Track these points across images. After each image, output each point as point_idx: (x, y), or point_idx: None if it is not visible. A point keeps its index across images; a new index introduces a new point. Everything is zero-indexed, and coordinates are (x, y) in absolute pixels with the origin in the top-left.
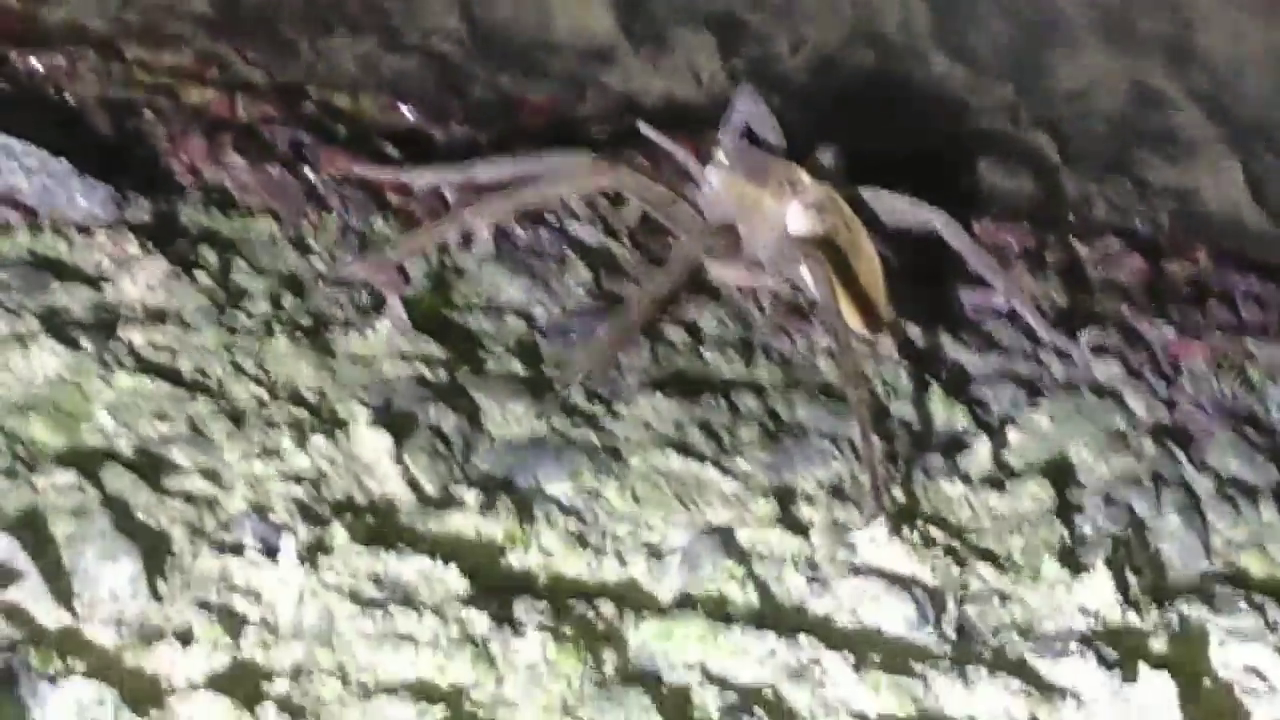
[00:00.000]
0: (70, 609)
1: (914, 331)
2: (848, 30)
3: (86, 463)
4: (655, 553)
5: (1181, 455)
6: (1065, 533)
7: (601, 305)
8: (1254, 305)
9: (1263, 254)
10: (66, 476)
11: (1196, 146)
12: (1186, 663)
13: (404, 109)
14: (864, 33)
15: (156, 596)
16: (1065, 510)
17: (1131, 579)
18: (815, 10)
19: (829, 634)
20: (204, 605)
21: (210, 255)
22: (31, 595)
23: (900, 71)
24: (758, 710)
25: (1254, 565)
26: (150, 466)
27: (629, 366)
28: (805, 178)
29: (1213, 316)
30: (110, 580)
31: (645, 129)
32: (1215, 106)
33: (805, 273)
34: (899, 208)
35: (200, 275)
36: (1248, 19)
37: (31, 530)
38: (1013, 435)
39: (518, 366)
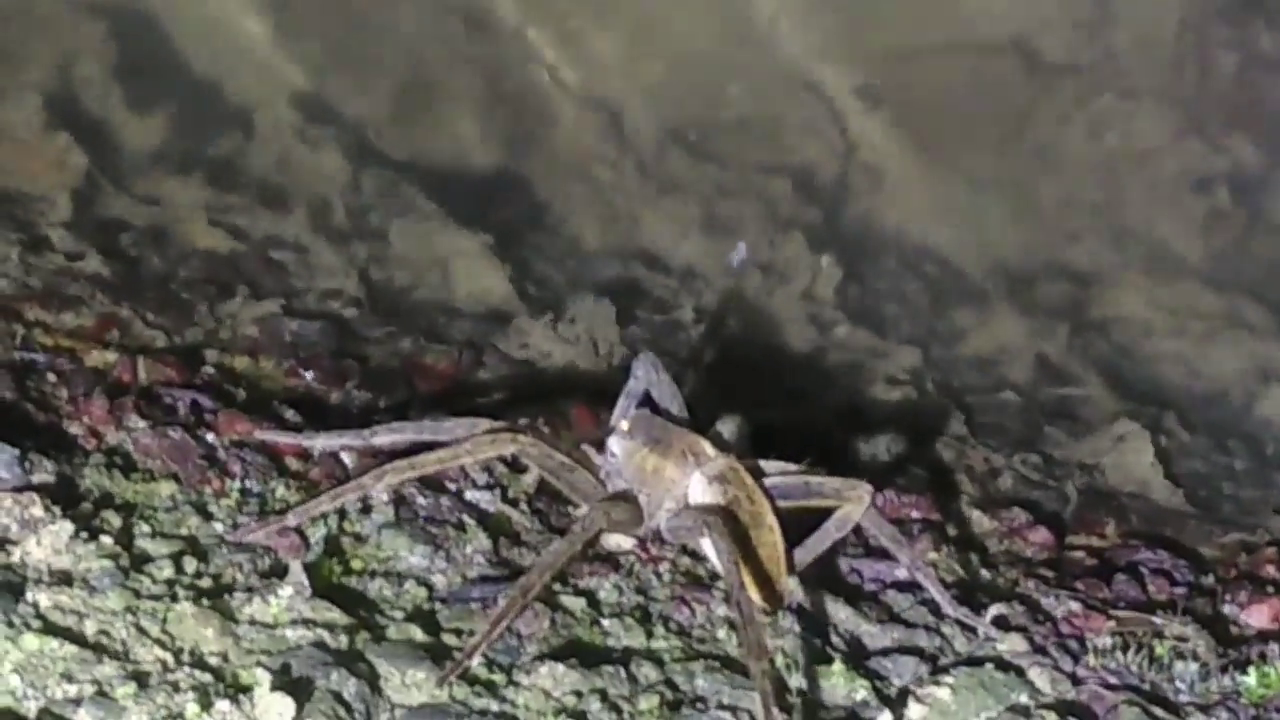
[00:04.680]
0: None
1: (814, 603)
2: (750, 297)
3: None
4: None
5: None
6: None
7: (501, 573)
8: (1161, 580)
9: (1171, 529)
10: None
11: (1104, 421)
12: None
13: (304, 373)
14: (767, 299)
15: None
16: None
17: None
18: (716, 278)
19: None
20: None
21: (114, 518)
22: None
23: (805, 339)
24: None
25: None
26: None
27: (528, 635)
28: (707, 448)
29: (1119, 591)
30: None
31: None
32: (1123, 381)
33: (706, 544)
34: (801, 480)
35: (104, 539)
36: (1153, 286)
37: None
38: (914, 709)
39: (418, 633)
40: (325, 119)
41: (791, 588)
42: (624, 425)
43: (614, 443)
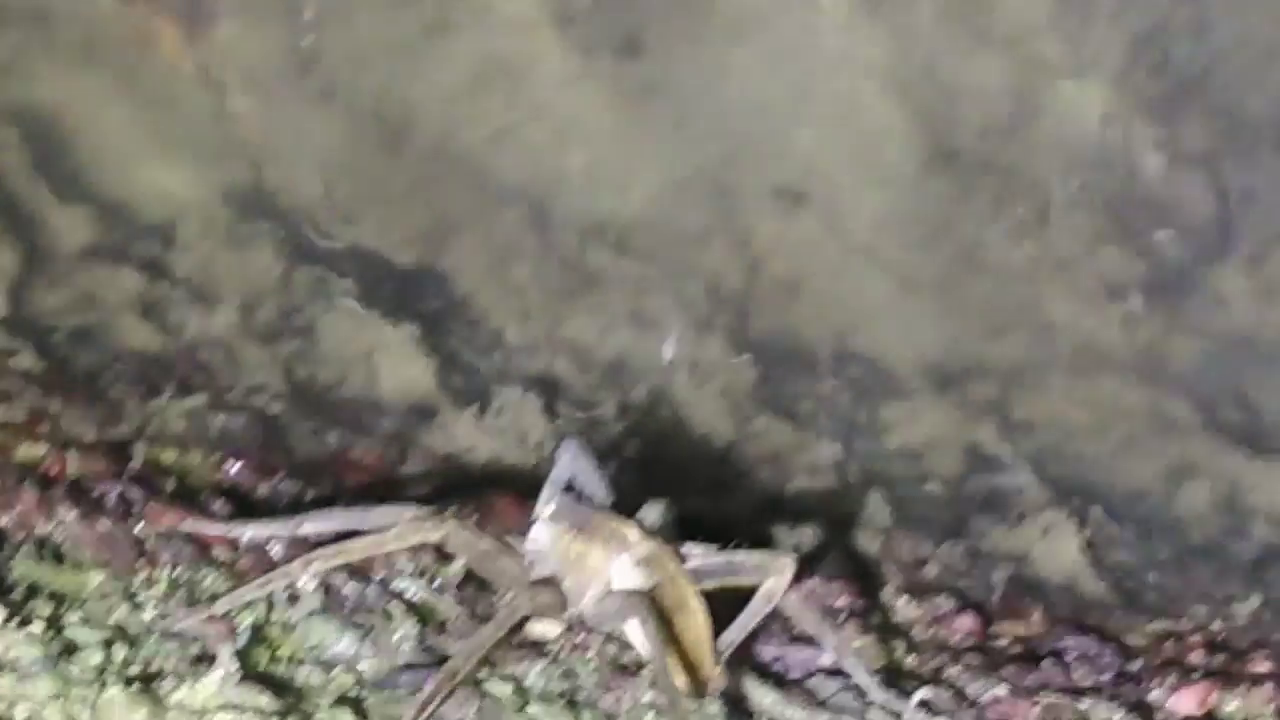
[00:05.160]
0: None
1: (740, 689)
2: (673, 391)
3: None
4: None
5: None
6: None
7: (428, 660)
8: (1088, 666)
9: (1097, 617)
10: None
11: (1031, 512)
12: None
13: (231, 466)
14: (689, 394)
15: None
16: None
17: None
18: (639, 371)
19: None
20: None
21: (44, 607)
22: None
23: (725, 432)
24: None
25: None
26: None
27: None
28: (632, 533)
29: (1045, 677)
30: None
31: None
32: (1049, 470)
33: (632, 628)
34: (723, 559)
35: (34, 626)
36: (1078, 383)
37: None
38: None
39: (346, 718)
40: (255, 215)
41: (718, 673)
42: (548, 511)
43: (538, 529)
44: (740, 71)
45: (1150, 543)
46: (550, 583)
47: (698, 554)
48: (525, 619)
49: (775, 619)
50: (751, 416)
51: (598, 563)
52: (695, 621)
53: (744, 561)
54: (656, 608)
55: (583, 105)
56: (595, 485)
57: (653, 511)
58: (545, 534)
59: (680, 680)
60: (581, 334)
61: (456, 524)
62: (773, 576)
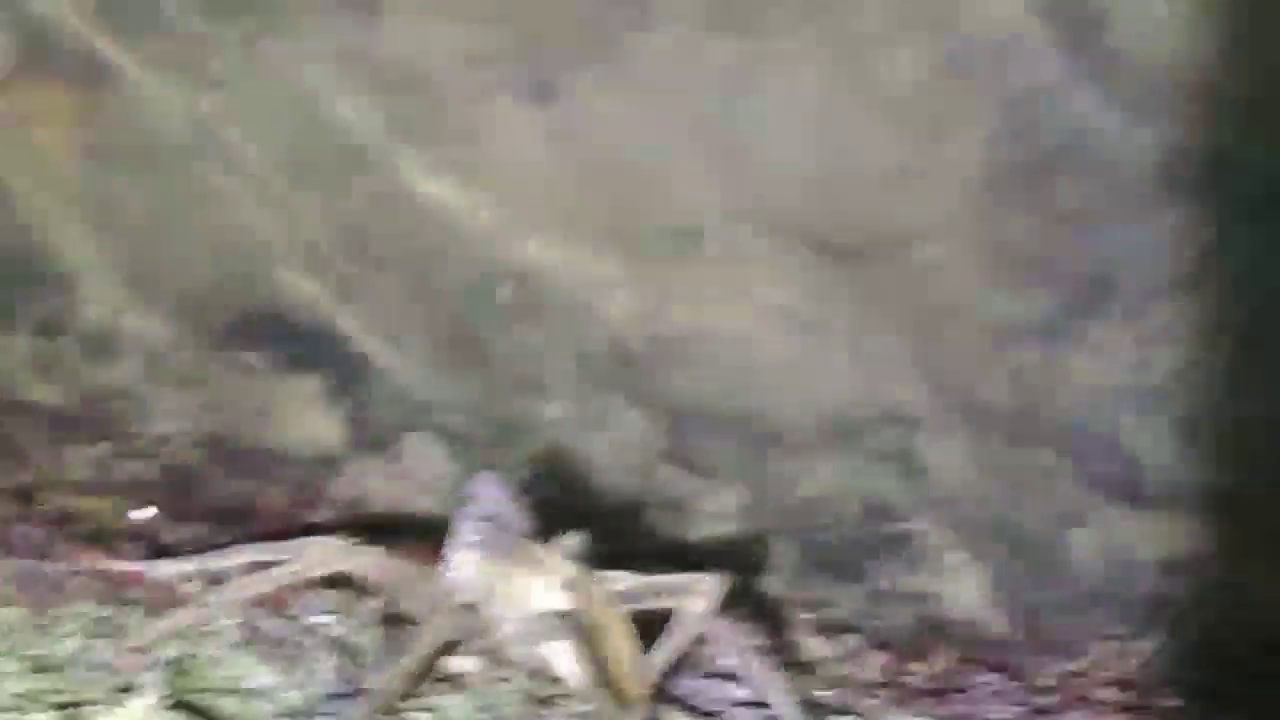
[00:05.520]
0: None
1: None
2: (569, 446)
3: None
4: None
5: None
6: None
7: (350, 690)
8: (998, 702)
9: (1001, 655)
10: None
11: (935, 554)
12: None
13: (141, 511)
14: (586, 449)
15: None
16: None
17: None
18: (554, 420)
19: None
20: None
21: None
22: None
23: (626, 484)
24: None
25: None
26: None
27: None
28: (553, 558)
29: (958, 712)
30: None
31: None
32: (951, 515)
33: (557, 651)
34: (645, 583)
35: None
36: (973, 432)
37: None
38: None
39: None
40: (153, 281)
41: (646, 696)
42: (468, 539)
43: (459, 556)
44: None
45: (1047, 586)
46: (470, 610)
47: (619, 578)
48: (450, 644)
49: (696, 650)
50: (653, 468)
51: (520, 587)
52: (620, 644)
53: (667, 584)
54: (581, 630)
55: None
56: (512, 515)
57: (570, 542)
58: (466, 561)
59: (608, 702)
60: (477, 390)
61: (378, 552)
62: (698, 598)
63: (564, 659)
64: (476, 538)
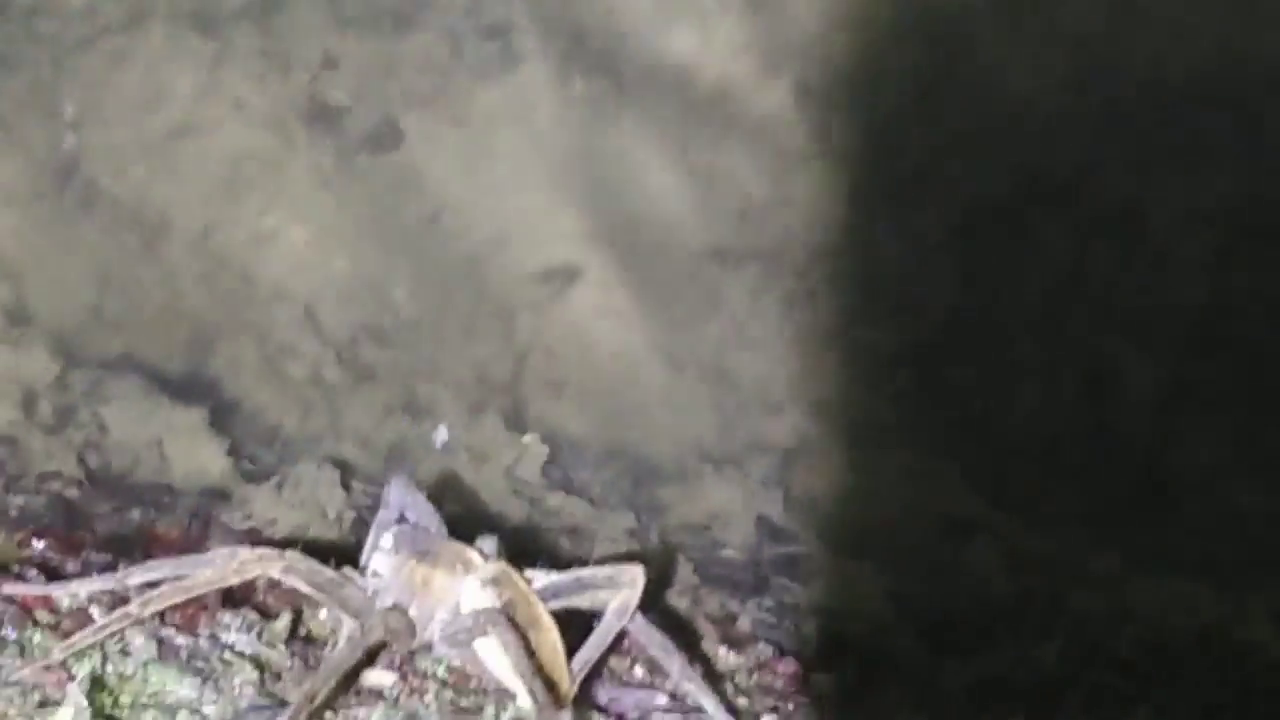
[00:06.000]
0: None
1: None
2: (457, 473)
3: None
4: None
5: None
6: None
7: (270, 703)
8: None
9: (906, 663)
10: None
11: (830, 569)
12: None
13: (36, 543)
14: (474, 476)
15: None
16: None
17: None
18: (421, 454)
19: None
20: None
21: None
22: None
23: (516, 509)
24: None
25: None
26: None
27: None
28: (475, 556)
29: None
30: None
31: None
32: (837, 537)
33: (486, 647)
34: (570, 577)
35: None
36: (849, 452)
37: None
38: None
39: None
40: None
41: (573, 690)
42: (387, 541)
43: (378, 559)
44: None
45: (945, 595)
46: (396, 611)
47: (542, 575)
48: (372, 651)
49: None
50: (542, 495)
51: (445, 586)
52: (548, 638)
53: (592, 576)
54: (511, 626)
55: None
56: (428, 517)
57: (488, 543)
58: (386, 563)
59: (539, 698)
60: (362, 422)
61: (297, 555)
62: (624, 590)
63: (494, 656)
64: (398, 538)
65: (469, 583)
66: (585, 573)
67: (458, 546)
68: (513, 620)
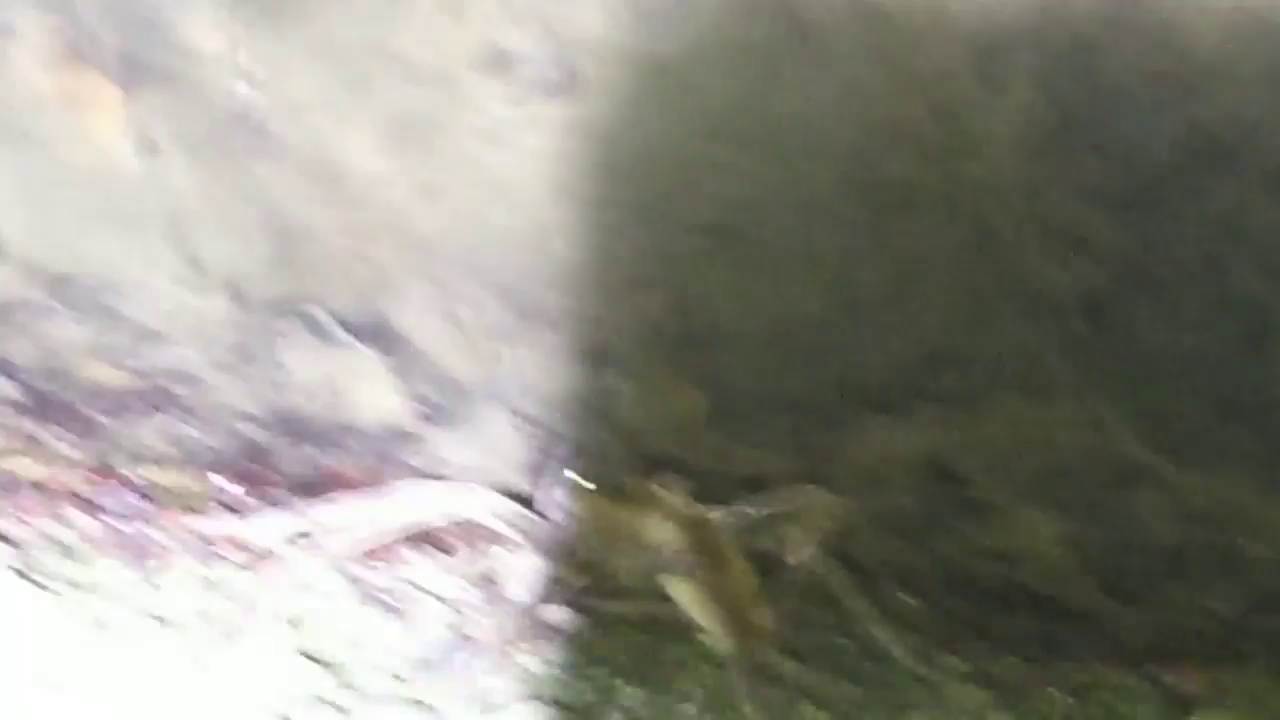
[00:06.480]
0: None
1: None
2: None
3: None
4: None
5: None
6: None
7: (463, 640)
8: None
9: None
10: None
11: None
12: None
13: (219, 480)
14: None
15: None
16: None
17: None
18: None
19: None
20: None
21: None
22: None
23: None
24: None
25: None
26: None
27: None
28: (661, 492)
29: None
30: None
31: None
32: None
33: (676, 587)
34: (755, 525)
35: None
36: (1023, 400)
37: None
38: None
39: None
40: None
41: (771, 623)
42: (569, 480)
43: (561, 498)
44: None
45: (1117, 542)
46: (584, 546)
47: (725, 512)
48: (564, 582)
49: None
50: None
51: (630, 523)
52: (739, 575)
53: (771, 515)
54: (701, 563)
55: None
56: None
57: (671, 479)
58: (570, 501)
59: (733, 634)
60: (536, 368)
61: (484, 491)
62: (803, 528)
63: (685, 592)
64: (580, 477)
65: (655, 519)
66: (764, 511)
67: (642, 484)
68: (703, 556)
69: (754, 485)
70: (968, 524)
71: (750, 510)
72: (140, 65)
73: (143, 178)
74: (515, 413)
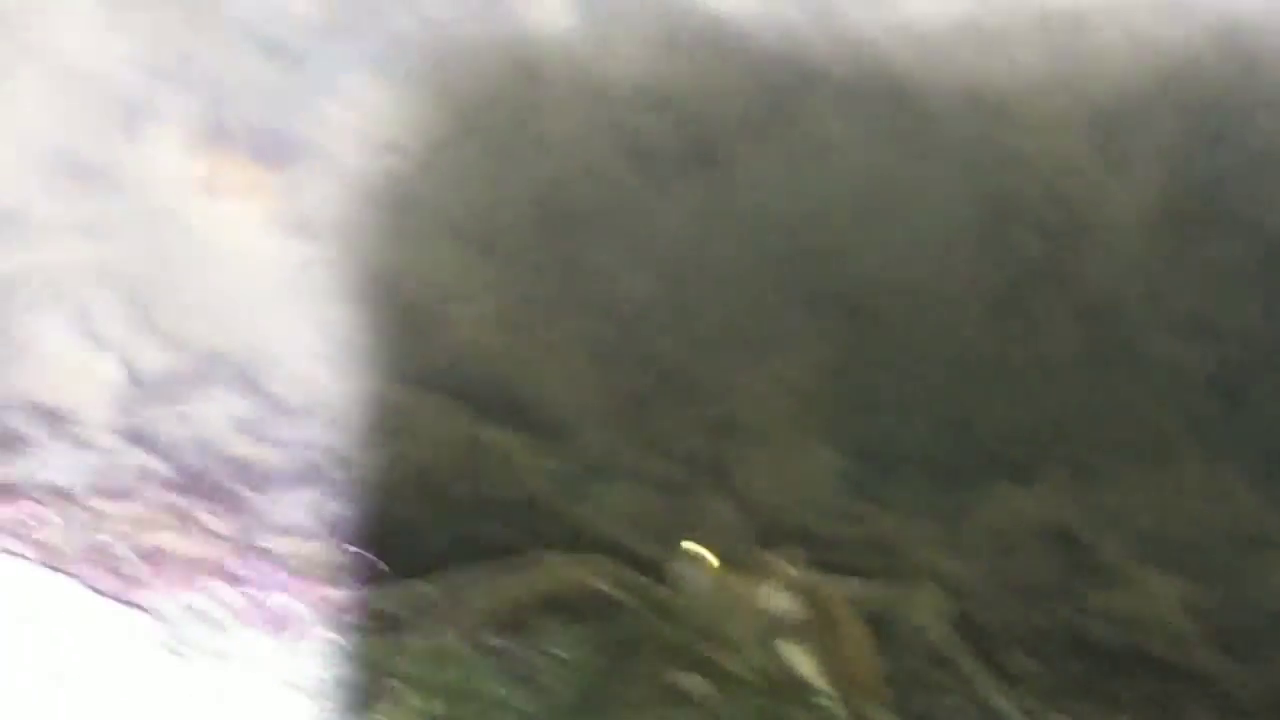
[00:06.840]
0: None
1: None
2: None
3: None
4: None
5: None
6: None
7: (589, 706)
8: None
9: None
10: None
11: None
12: None
13: (355, 549)
14: (782, 487)
15: None
16: None
17: None
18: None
19: None
20: None
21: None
22: None
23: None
24: None
25: None
26: None
27: None
28: (782, 564)
29: None
30: None
31: None
32: None
33: (794, 655)
34: (872, 594)
35: None
36: (1150, 467)
37: None
38: None
39: None
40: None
41: (885, 691)
42: (694, 550)
43: (686, 567)
44: None
45: (1240, 608)
46: (707, 614)
47: (848, 583)
48: (679, 657)
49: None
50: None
51: (752, 592)
52: (858, 643)
53: (893, 585)
54: (819, 631)
55: None
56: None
57: (793, 551)
58: (695, 570)
59: (850, 702)
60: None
61: (611, 562)
62: (926, 598)
63: (803, 660)
64: (704, 549)
65: (776, 589)
66: (886, 583)
67: (765, 555)
68: (822, 625)
69: (882, 550)
70: (1090, 588)
71: (870, 585)
72: (283, 142)
73: (285, 256)
74: (646, 482)
